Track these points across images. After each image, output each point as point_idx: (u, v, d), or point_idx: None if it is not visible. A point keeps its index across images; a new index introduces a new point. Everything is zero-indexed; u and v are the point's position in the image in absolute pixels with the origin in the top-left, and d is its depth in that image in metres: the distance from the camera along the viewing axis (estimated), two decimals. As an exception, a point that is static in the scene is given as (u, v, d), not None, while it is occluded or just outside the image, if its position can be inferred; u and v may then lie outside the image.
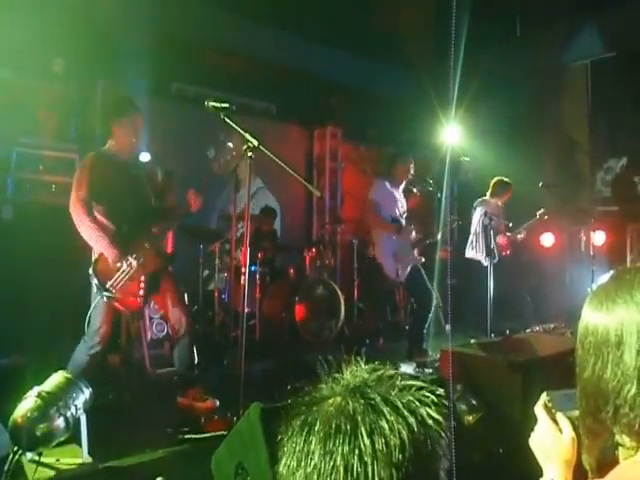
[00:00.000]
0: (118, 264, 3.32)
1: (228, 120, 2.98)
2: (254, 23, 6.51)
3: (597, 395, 0.92)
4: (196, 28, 6.02)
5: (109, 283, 3.31)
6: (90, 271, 3.34)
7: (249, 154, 2.84)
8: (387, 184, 5.08)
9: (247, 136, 2.85)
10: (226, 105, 3.00)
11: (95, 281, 3.33)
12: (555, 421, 1.16)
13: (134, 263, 3.33)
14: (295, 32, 6.75)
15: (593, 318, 0.95)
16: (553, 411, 1.18)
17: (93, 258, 3.40)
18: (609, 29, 7.06)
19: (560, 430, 1.15)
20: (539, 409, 1.20)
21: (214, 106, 3.03)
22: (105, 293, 3.31)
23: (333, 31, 6.81)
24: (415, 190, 5.48)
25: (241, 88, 6.50)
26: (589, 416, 0.97)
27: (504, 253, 6.02)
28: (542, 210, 6.02)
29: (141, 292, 3.40)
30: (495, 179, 6.20)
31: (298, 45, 6.88)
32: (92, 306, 3.36)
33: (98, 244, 3.32)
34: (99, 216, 3.41)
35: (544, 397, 1.20)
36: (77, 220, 3.33)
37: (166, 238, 3.76)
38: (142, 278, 3.40)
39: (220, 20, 6.24)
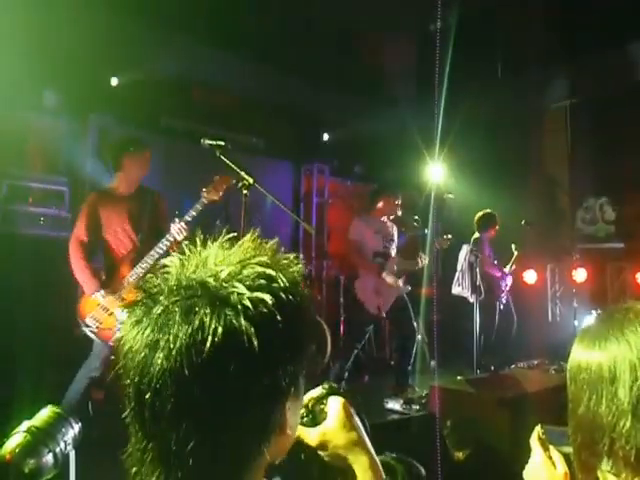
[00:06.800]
0: (93, 296, 3.39)
1: (224, 158, 3.03)
2: (241, 59, 6.64)
3: (592, 429, 0.94)
4: (185, 64, 6.12)
5: (88, 317, 3.41)
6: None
7: (244, 192, 2.88)
8: (364, 221, 5.02)
9: (243, 174, 2.89)
10: (222, 142, 3.04)
11: (79, 320, 3.45)
12: (549, 455, 1.19)
13: (107, 297, 3.40)
14: (283, 69, 6.90)
15: (585, 356, 0.98)
16: (547, 444, 1.20)
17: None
18: (587, 72, 7.32)
19: (554, 464, 1.17)
20: (534, 441, 1.22)
21: (210, 144, 3.07)
22: (84, 328, 3.42)
23: (320, 68, 6.97)
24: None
25: (229, 123, 6.59)
26: (585, 450, 0.98)
27: (504, 290, 6.14)
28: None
29: (118, 326, 3.42)
30: (479, 213, 6.23)
31: (286, 81, 7.02)
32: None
33: (79, 276, 3.41)
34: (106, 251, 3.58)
35: (539, 429, 1.23)
36: (71, 257, 3.45)
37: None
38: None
39: (208, 56, 6.37)
